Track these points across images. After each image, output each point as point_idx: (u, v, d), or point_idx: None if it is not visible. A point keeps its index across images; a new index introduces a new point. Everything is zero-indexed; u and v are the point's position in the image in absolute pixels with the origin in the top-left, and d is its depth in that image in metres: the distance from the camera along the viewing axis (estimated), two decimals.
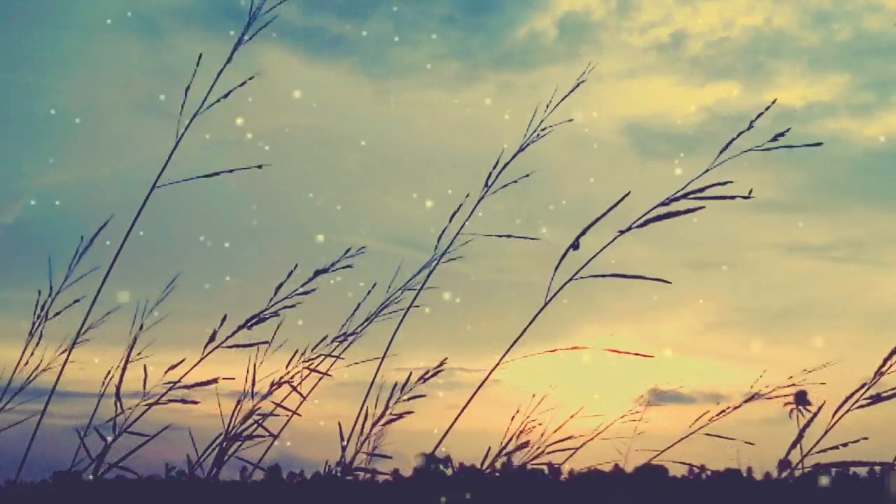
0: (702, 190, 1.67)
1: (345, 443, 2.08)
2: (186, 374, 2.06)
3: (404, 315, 2.07)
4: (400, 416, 2.15)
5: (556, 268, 1.73)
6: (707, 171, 1.66)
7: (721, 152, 1.66)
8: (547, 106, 2.03)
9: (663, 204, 1.70)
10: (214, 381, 2.07)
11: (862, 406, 1.71)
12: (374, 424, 2.13)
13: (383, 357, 2.11)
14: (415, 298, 2.10)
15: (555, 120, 2.03)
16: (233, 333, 2.08)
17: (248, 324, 2.05)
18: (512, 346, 1.82)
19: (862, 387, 1.71)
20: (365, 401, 2.12)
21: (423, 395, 2.18)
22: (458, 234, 2.09)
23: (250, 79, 1.94)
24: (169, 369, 2.07)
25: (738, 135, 1.65)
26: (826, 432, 1.71)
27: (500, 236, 2.07)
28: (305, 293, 2.07)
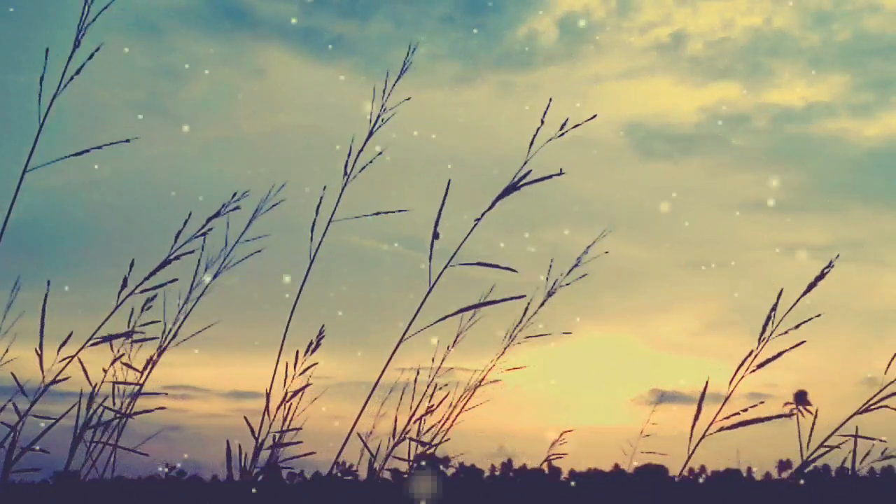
0: (525, 175, 1.95)
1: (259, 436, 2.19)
2: (107, 318, 2.12)
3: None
4: (299, 391, 2.26)
5: (430, 258, 1.90)
6: (528, 159, 1.93)
7: (530, 145, 1.93)
8: (384, 91, 2.14)
9: (502, 193, 1.97)
10: (129, 333, 2.17)
11: (753, 371, 1.85)
12: (277, 407, 2.23)
13: (286, 328, 2.16)
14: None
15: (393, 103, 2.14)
16: (144, 280, 2.15)
17: (156, 270, 2.16)
18: (407, 328, 1.93)
19: (750, 354, 1.85)
20: (269, 391, 2.21)
21: (316, 364, 2.32)
22: (329, 222, 2.15)
23: (96, 50, 1.98)
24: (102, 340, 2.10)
25: (542, 124, 1.92)
26: (725, 400, 1.84)
27: (368, 215, 2.18)
28: (202, 235, 2.23)
